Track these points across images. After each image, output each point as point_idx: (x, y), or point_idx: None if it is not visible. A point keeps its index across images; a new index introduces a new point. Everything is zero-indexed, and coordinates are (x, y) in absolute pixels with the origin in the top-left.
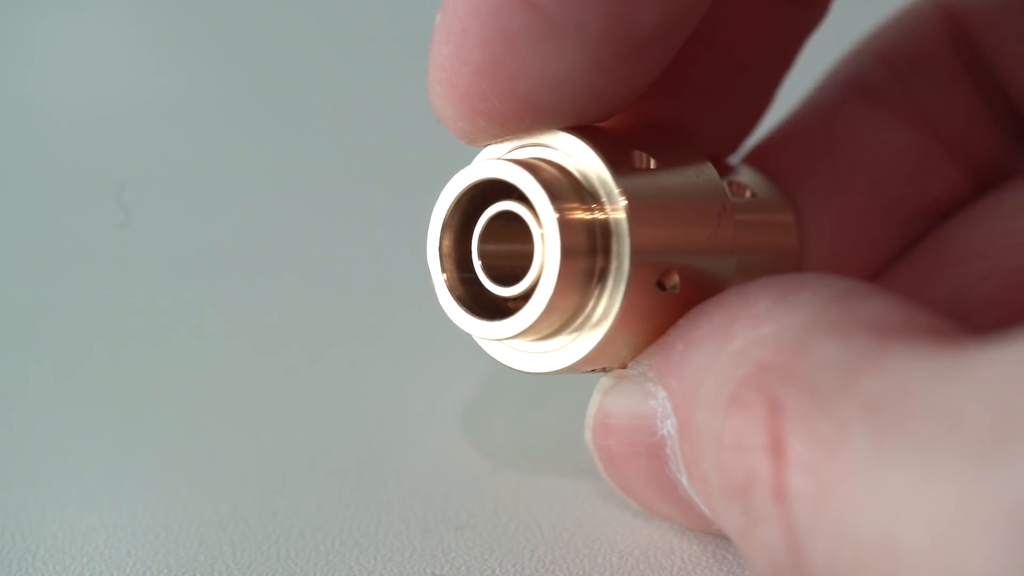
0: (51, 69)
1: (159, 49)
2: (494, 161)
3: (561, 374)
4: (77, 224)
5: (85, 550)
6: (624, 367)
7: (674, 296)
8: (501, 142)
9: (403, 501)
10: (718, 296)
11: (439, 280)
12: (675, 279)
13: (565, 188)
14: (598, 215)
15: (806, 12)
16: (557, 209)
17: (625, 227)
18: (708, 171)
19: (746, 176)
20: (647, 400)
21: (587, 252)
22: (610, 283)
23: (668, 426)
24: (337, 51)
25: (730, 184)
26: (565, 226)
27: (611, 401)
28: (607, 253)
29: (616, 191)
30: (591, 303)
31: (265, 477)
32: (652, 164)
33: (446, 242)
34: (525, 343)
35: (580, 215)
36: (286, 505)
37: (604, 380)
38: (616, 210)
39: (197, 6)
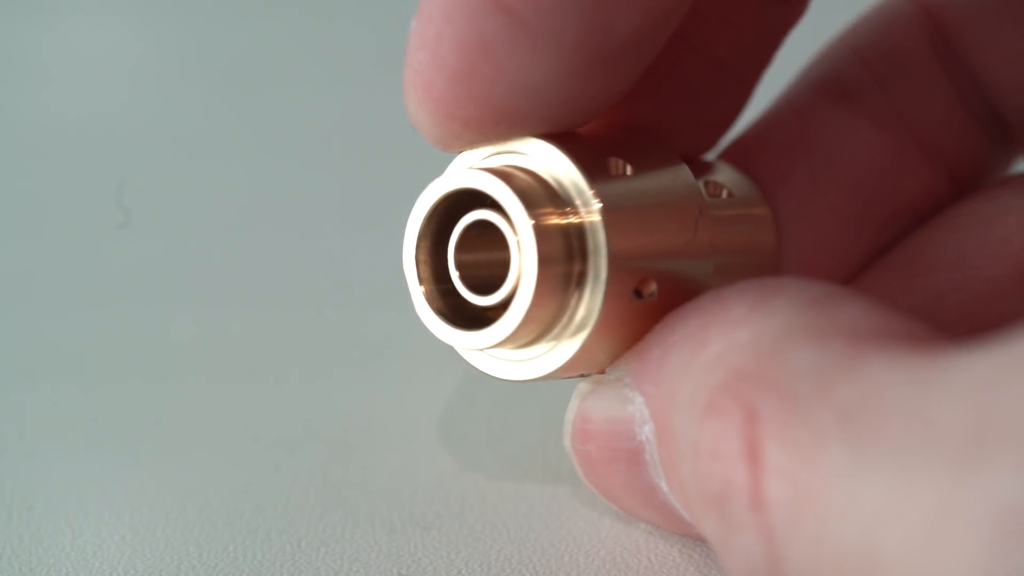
0: (51, 70)
1: (159, 49)
2: (467, 170)
3: (541, 381)
4: (77, 224)
5: (51, 552)
6: (602, 372)
7: (652, 303)
8: (476, 149)
9: (370, 501)
10: (695, 301)
11: (416, 292)
12: (652, 286)
13: (540, 195)
14: (574, 221)
15: (786, 9)
16: (532, 216)
17: (602, 234)
18: (684, 174)
19: (723, 174)
20: (625, 405)
21: (564, 259)
22: (588, 291)
23: (646, 431)
24: (337, 52)
25: (707, 184)
26: (541, 233)
27: (589, 406)
28: (584, 260)
29: (592, 198)
30: (569, 311)
31: (231, 478)
32: (628, 170)
33: (422, 253)
34: (505, 351)
35: (555, 221)
36: (252, 506)
37: (582, 385)
38: (592, 217)
39: (198, 8)
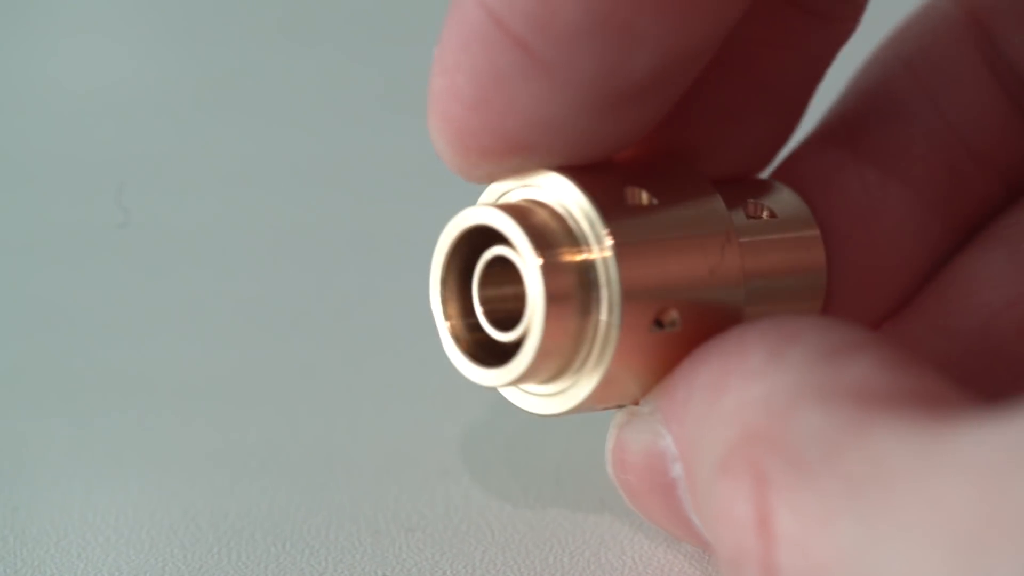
0: (51, 68)
1: (160, 49)
2: (482, 206)
3: (571, 414)
4: (76, 224)
5: (36, 553)
6: (636, 403)
7: (675, 333)
8: (503, 181)
9: (354, 503)
10: (719, 339)
11: (442, 327)
12: (673, 316)
13: (554, 231)
14: (587, 257)
15: (834, 27)
16: (541, 254)
17: (614, 269)
18: (712, 200)
19: (769, 194)
20: (658, 440)
21: (576, 295)
22: (603, 326)
23: (677, 469)
24: (344, 49)
25: (747, 205)
26: (550, 271)
27: (626, 438)
28: (598, 295)
29: (604, 232)
30: (587, 345)
31: (215, 479)
32: (647, 199)
33: (448, 289)
34: (531, 385)
35: (568, 258)
36: (237, 507)
37: (619, 415)
38: (605, 251)
39: (198, 10)
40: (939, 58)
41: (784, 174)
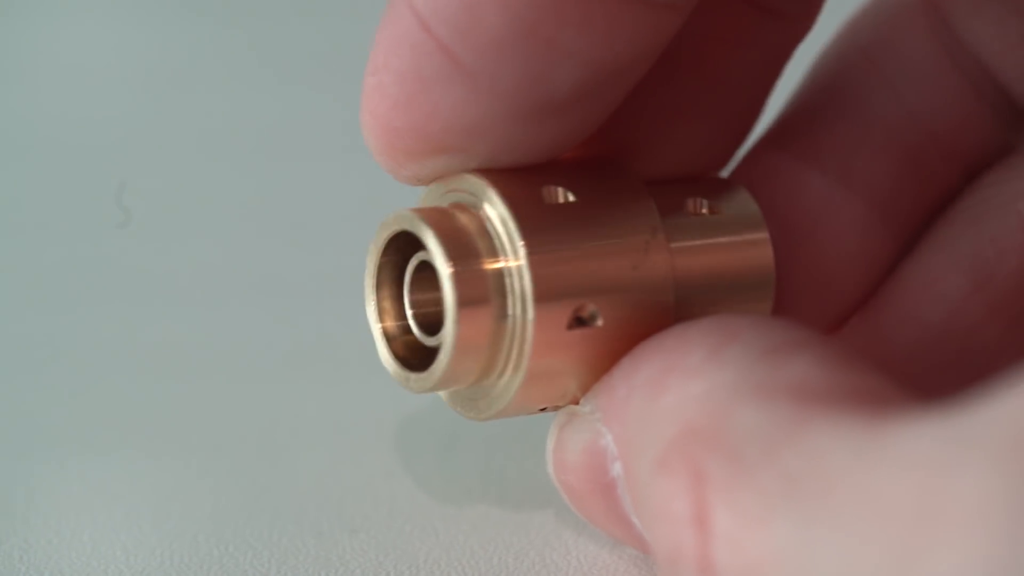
0: (51, 70)
1: (160, 49)
2: (404, 212)
3: (505, 417)
4: (76, 224)
5: None
6: (576, 402)
7: (598, 330)
8: (438, 183)
9: (297, 504)
10: (660, 336)
11: (375, 329)
12: (592, 312)
13: (470, 236)
14: (500, 264)
15: (789, 25)
16: (453, 262)
17: (527, 271)
18: (638, 197)
19: (718, 192)
20: (598, 439)
21: (491, 300)
22: (519, 327)
23: (617, 468)
24: (341, 53)
25: (687, 203)
26: (461, 279)
27: (566, 438)
28: (513, 298)
29: (516, 234)
30: (506, 349)
31: (157, 481)
32: (567, 197)
33: (382, 292)
34: (462, 389)
35: (481, 265)
36: (179, 509)
37: (560, 415)
38: (517, 254)
39: (199, 8)
40: (898, 46)
41: (738, 174)
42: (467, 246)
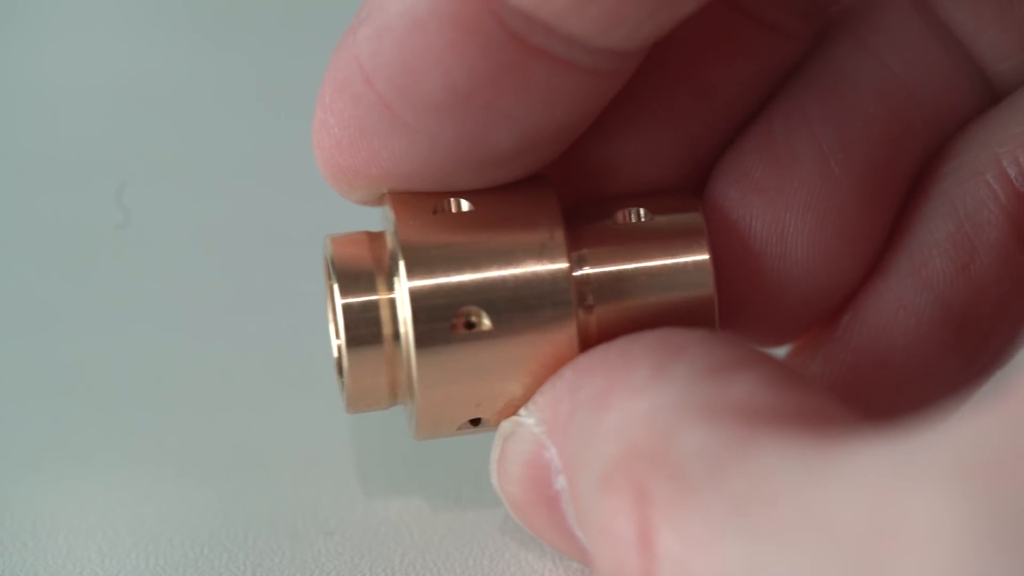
0: (50, 68)
1: (161, 48)
2: (330, 238)
3: (437, 435)
4: (76, 225)
5: None
6: (515, 412)
7: (486, 335)
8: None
9: (272, 506)
10: (604, 349)
11: (333, 343)
12: (477, 317)
13: (371, 261)
14: (383, 296)
15: (786, 41)
16: (342, 293)
17: (404, 280)
18: (542, 205)
19: (660, 203)
20: (542, 452)
21: (380, 327)
22: (407, 343)
23: (561, 482)
24: None
25: (617, 213)
26: (348, 309)
27: (510, 448)
28: (400, 312)
29: (399, 248)
30: (403, 365)
31: (133, 483)
32: (463, 209)
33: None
34: (401, 407)
35: (372, 291)
36: (155, 511)
37: (505, 424)
38: (398, 266)
39: (199, 7)
40: (880, 19)
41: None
42: (360, 275)
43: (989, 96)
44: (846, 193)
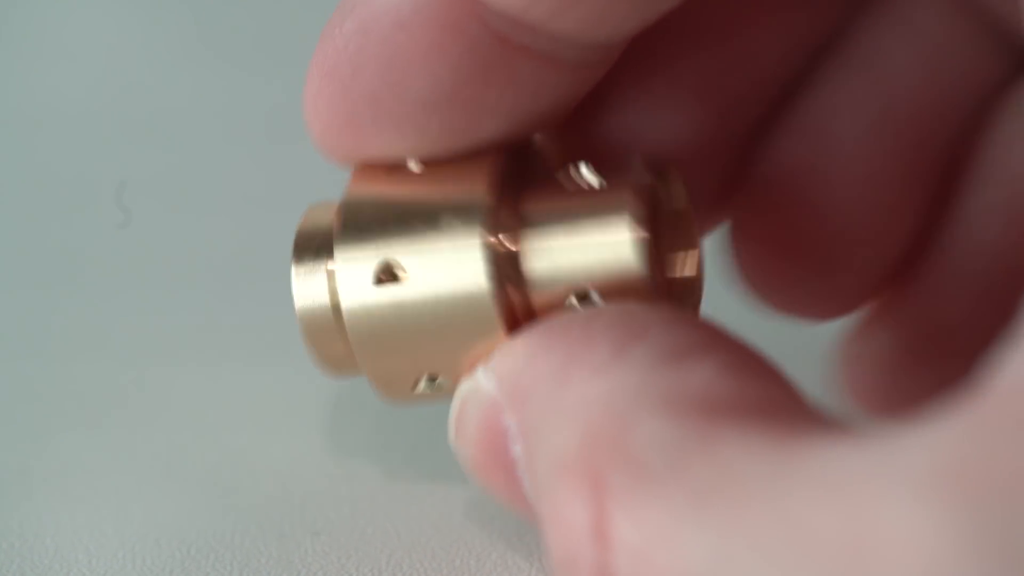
0: (51, 69)
1: (161, 48)
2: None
3: (403, 399)
4: (76, 225)
5: None
6: (469, 371)
7: (404, 288)
8: None
9: (259, 507)
10: (566, 322)
11: None
12: (395, 267)
13: (329, 231)
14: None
15: (822, 13)
16: (296, 259)
17: (336, 234)
18: (485, 162)
19: (608, 164)
20: (499, 416)
21: (324, 289)
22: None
23: (518, 450)
24: None
25: (567, 169)
26: (296, 277)
27: (467, 410)
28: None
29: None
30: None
31: (120, 484)
32: (413, 169)
33: None
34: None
35: (322, 259)
36: (142, 512)
37: (464, 384)
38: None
39: (200, 6)
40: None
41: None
42: (316, 243)
43: (1016, 63)
44: (893, 167)
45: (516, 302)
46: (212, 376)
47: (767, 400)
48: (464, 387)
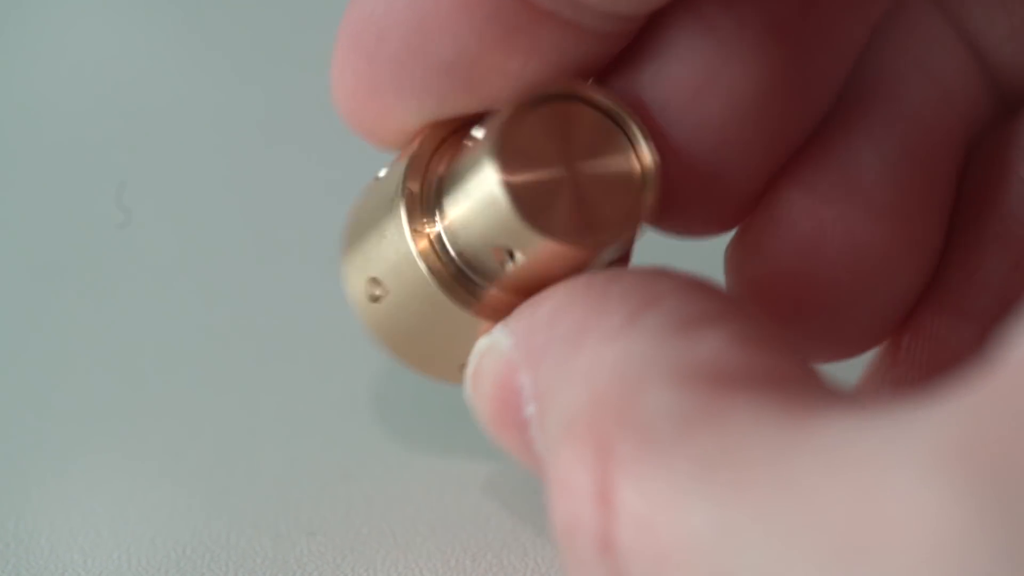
0: (50, 67)
1: (161, 47)
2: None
3: (447, 379)
4: (76, 225)
5: None
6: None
7: (388, 299)
8: None
9: (254, 507)
10: (586, 283)
11: None
12: (375, 287)
13: None
14: None
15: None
16: None
17: None
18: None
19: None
20: (515, 375)
21: None
22: None
23: (531, 410)
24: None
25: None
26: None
27: (484, 366)
28: None
29: None
30: None
31: (115, 483)
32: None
33: None
34: None
35: None
36: (137, 512)
37: (482, 340)
38: None
39: (200, 5)
40: (912, 22)
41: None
42: None
43: (996, 93)
44: (911, 202)
45: (460, 280)
46: (209, 376)
47: (777, 372)
48: (482, 343)
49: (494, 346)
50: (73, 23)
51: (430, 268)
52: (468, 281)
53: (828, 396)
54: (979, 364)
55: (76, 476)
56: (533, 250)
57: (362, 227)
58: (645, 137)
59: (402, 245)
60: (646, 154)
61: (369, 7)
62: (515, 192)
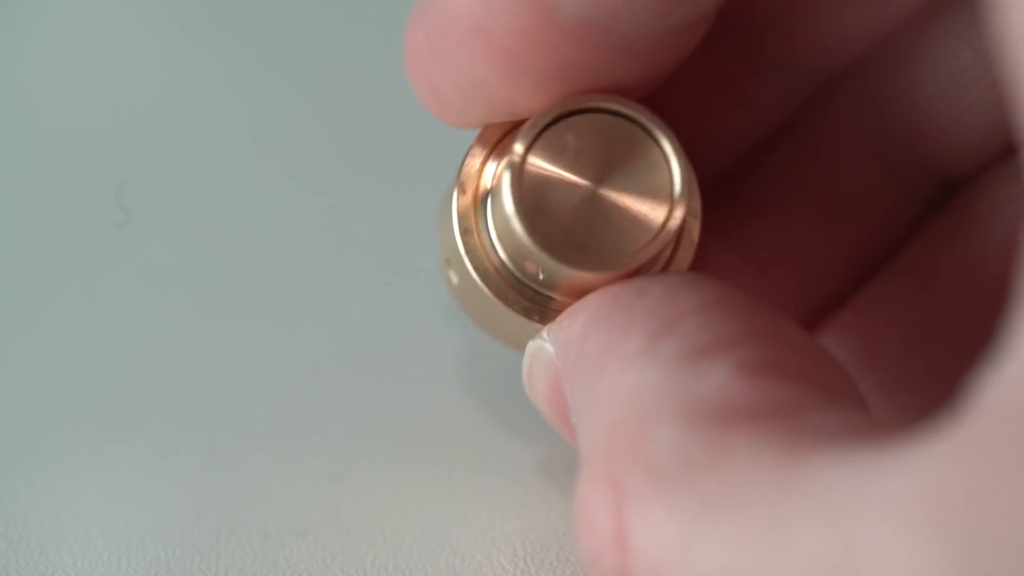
0: (51, 67)
1: (162, 47)
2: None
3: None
4: (76, 225)
5: None
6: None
7: (458, 285)
8: None
9: (244, 507)
10: (616, 295)
11: None
12: (450, 272)
13: None
14: None
15: (872, 10)
16: None
17: None
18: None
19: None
20: (561, 382)
21: None
22: None
23: (575, 421)
24: (347, 47)
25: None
26: None
27: (536, 368)
28: None
29: None
30: None
31: (105, 484)
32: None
33: None
34: None
35: None
36: (126, 513)
37: (532, 342)
38: None
39: (199, 5)
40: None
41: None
42: None
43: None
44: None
45: (509, 280)
46: (203, 377)
47: (779, 405)
48: (532, 346)
49: (541, 352)
50: (74, 23)
51: (476, 267)
52: (517, 281)
53: (822, 429)
54: (952, 410)
55: (66, 477)
56: (555, 275)
57: (443, 209)
58: (677, 153)
59: (454, 242)
60: (677, 170)
61: (423, 39)
62: (532, 223)
